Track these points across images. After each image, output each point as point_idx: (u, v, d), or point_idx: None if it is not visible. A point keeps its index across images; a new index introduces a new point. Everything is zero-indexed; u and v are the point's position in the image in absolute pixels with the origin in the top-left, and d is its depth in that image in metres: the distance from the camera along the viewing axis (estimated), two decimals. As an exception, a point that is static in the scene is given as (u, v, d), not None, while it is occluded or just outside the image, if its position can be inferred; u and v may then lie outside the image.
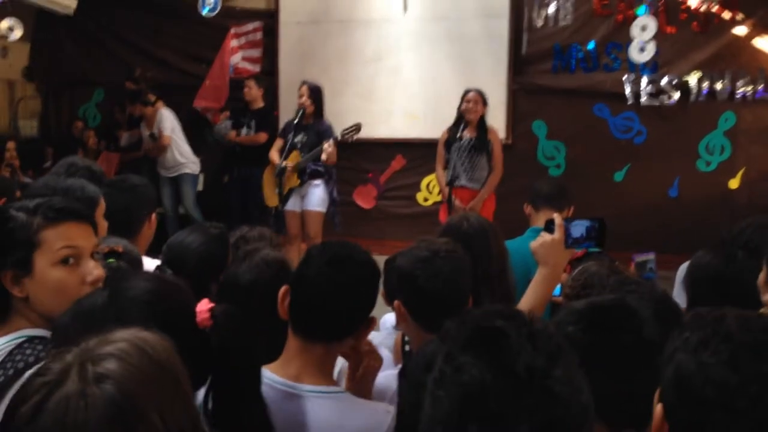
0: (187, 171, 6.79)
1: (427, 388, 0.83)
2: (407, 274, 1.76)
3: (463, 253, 1.77)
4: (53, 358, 0.87)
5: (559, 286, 2.11)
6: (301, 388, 1.53)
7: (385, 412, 1.52)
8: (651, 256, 2.52)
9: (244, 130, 6.62)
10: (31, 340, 1.48)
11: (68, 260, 1.51)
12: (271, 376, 1.54)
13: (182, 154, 6.77)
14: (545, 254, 1.81)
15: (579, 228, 1.84)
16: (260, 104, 6.62)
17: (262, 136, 6.54)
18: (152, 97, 6.71)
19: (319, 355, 1.55)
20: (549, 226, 1.86)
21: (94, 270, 1.53)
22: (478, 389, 0.78)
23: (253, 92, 6.56)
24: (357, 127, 5.58)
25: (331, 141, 5.48)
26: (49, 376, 0.83)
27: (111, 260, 1.91)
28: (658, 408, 1.05)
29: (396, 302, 1.79)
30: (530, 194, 3.37)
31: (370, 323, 1.60)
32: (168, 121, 6.67)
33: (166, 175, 6.79)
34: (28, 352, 1.45)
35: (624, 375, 1.19)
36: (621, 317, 1.28)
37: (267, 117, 6.72)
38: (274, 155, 5.84)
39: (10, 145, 6.65)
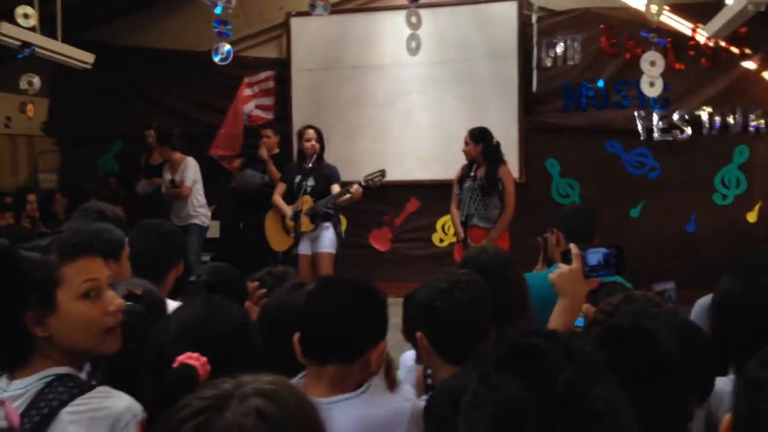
0: (197, 222, 6.81)
1: (461, 412, 0.81)
2: (428, 305, 1.76)
3: (482, 283, 1.76)
4: (210, 385, 0.92)
5: (582, 319, 2.08)
6: (322, 401, 1.54)
7: (405, 400, 1.59)
8: (670, 285, 2.49)
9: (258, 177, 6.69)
10: (60, 378, 1.49)
11: (90, 294, 1.53)
12: None
13: (196, 206, 6.82)
14: (564, 285, 1.80)
15: (596, 256, 1.82)
16: (276, 151, 6.70)
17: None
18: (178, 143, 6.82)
19: (332, 376, 1.62)
20: (566, 257, 1.85)
21: (114, 300, 1.56)
22: (514, 408, 0.76)
23: (273, 140, 6.66)
24: (382, 173, 5.66)
25: (355, 185, 5.54)
26: (209, 401, 0.88)
27: (129, 303, 1.92)
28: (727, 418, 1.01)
29: (419, 334, 1.80)
30: (563, 224, 3.29)
31: (378, 345, 1.66)
32: (192, 172, 6.75)
33: (177, 223, 6.78)
34: (61, 389, 1.46)
35: (640, 394, 1.17)
36: (632, 336, 1.26)
37: (284, 163, 6.80)
38: (278, 200, 5.89)
39: (31, 197, 6.75)
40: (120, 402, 1.44)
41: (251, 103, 7.44)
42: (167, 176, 6.82)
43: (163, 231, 2.70)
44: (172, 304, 2.33)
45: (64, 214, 6.85)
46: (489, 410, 0.77)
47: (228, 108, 7.36)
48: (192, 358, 1.38)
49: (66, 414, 1.42)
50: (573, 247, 1.85)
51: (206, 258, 6.91)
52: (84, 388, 1.48)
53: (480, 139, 5.46)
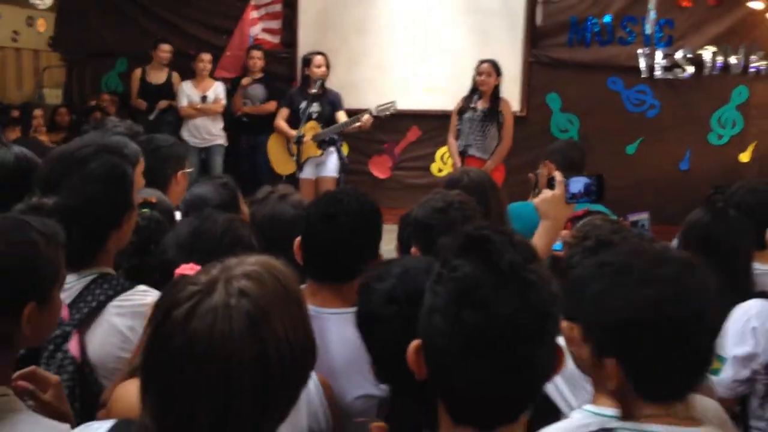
0: (221, 142, 6.96)
1: (426, 287, 1.01)
2: (423, 224, 1.92)
3: (475, 204, 1.92)
4: (202, 271, 1.03)
5: (560, 243, 2.25)
6: (321, 311, 1.73)
7: None
8: (645, 215, 2.66)
9: (248, 101, 6.84)
10: (103, 276, 1.70)
11: None
12: None
13: (220, 126, 6.95)
14: (547, 209, 1.96)
15: (577, 184, 1.98)
16: (259, 75, 6.87)
17: (272, 105, 6.73)
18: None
19: (331, 292, 1.76)
20: (551, 183, 2.00)
21: None
22: (470, 283, 0.96)
23: (261, 62, 6.84)
24: (393, 105, 5.75)
25: (366, 115, 5.64)
26: (199, 286, 0.98)
27: (145, 210, 2.09)
28: (611, 363, 1.21)
29: (413, 250, 1.96)
30: (556, 156, 3.46)
31: (376, 260, 1.78)
32: (223, 92, 6.87)
33: (194, 144, 6.87)
34: (106, 286, 1.67)
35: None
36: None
37: (272, 86, 6.94)
38: (282, 124, 6.00)
39: (37, 112, 6.85)
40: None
41: (258, 25, 7.45)
42: (193, 93, 6.87)
43: (154, 146, 2.73)
44: (179, 216, 2.50)
45: (68, 130, 6.96)
46: (450, 285, 0.98)
47: (234, 30, 7.38)
48: (187, 269, 1.48)
49: (113, 307, 1.64)
50: (557, 174, 2.01)
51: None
52: (126, 286, 1.69)
53: (500, 72, 5.56)
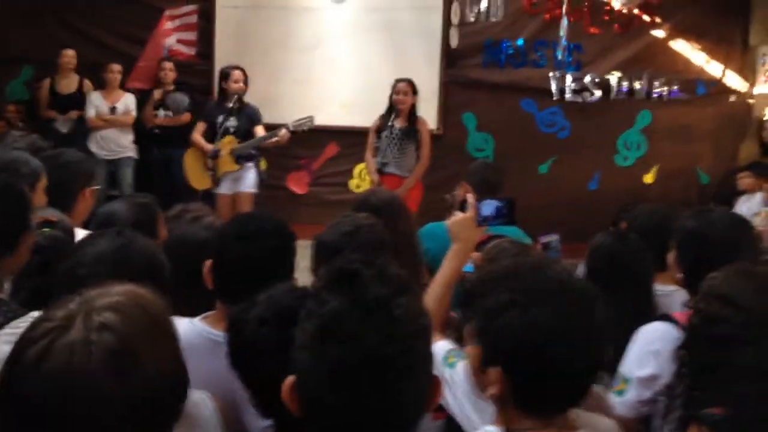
0: (130, 155, 6.75)
1: (297, 325, 1.01)
2: (332, 248, 1.92)
3: (381, 226, 1.93)
4: (57, 306, 0.94)
5: (471, 264, 2.29)
6: None
7: None
8: (555, 237, 2.74)
9: (161, 112, 6.71)
10: None
11: None
12: (205, 328, 1.74)
13: (131, 138, 6.74)
14: (458, 231, 1.99)
15: (489, 207, 2.01)
16: (171, 87, 6.78)
17: (187, 116, 6.64)
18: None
19: None
20: (463, 206, 2.03)
21: None
22: (335, 316, 0.96)
23: (173, 74, 6.76)
24: (310, 120, 5.75)
25: (284, 130, 5.61)
26: (55, 322, 0.90)
27: (45, 229, 2.00)
28: (495, 371, 1.23)
29: None
30: (472, 177, 3.52)
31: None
32: (133, 104, 6.67)
33: (103, 157, 6.64)
34: None
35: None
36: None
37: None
38: (198, 138, 5.90)
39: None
40: None
41: (172, 36, 7.29)
42: (102, 104, 6.63)
43: (64, 161, 2.68)
44: (83, 235, 2.40)
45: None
46: (316, 321, 0.98)
47: (148, 40, 7.20)
48: None
49: (3, 335, 1.54)
50: (469, 197, 2.04)
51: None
52: (18, 312, 1.61)
53: (416, 91, 5.63)
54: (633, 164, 7.19)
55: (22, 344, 0.90)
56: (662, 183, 7.15)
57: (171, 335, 1.00)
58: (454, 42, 7.05)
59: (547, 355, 1.19)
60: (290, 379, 1.01)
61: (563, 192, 7.05)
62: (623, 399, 1.99)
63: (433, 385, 1.03)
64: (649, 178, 7.20)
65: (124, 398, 0.88)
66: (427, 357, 1.03)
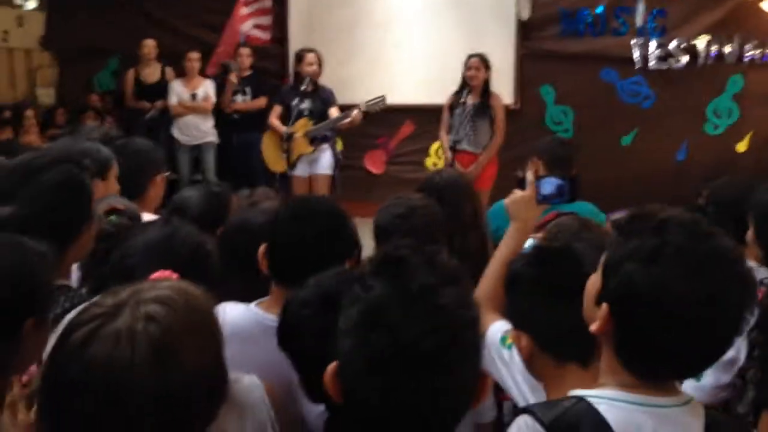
0: (212, 140, 6.92)
1: (342, 309, 0.98)
2: (384, 230, 1.89)
3: (436, 207, 1.89)
4: (109, 294, 0.96)
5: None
6: None
7: None
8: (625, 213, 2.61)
9: (239, 97, 6.82)
10: (60, 288, 1.66)
11: None
12: (260, 312, 1.74)
13: (210, 125, 6.90)
14: (517, 210, 1.92)
15: (549, 186, 1.93)
16: (249, 72, 6.85)
17: (263, 101, 6.73)
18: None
19: None
20: (521, 184, 1.97)
21: None
22: (378, 303, 0.93)
23: (249, 60, 6.85)
24: (382, 99, 5.72)
25: (356, 111, 5.61)
26: (104, 309, 0.92)
27: (112, 217, 2.07)
28: (604, 308, 1.15)
29: None
30: (544, 153, 3.41)
31: (349, 263, 1.75)
32: (212, 90, 6.84)
33: (186, 143, 6.85)
34: (62, 299, 1.64)
35: (565, 308, 1.32)
36: (561, 255, 1.41)
37: (261, 82, 6.93)
38: (275, 121, 5.97)
39: (29, 113, 6.83)
40: None
41: (248, 22, 7.40)
42: (183, 92, 6.84)
43: (133, 149, 2.73)
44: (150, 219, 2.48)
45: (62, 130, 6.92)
46: (360, 307, 0.95)
47: (224, 27, 7.34)
48: (166, 275, 1.48)
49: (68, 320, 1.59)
50: (528, 175, 1.97)
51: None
52: (84, 298, 1.66)
53: (488, 66, 5.51)
54: (724, 132, 6.82)
55: (69, 328, 0.93)
56: (756, 151, 6.75)
57: (215, 336, 1.00)
58: (524, 14, 6.85)
59: (680, 317, 1.08)
60: (333, 366, 0.99)
61: (648, 165, 6.76)
62: (700, 384, 1.89)
63: (479, 379, 0.99)
64: (741, 147, 6.81)
65: (158, 391, 0.88)
66: (474, 351, 0.98)
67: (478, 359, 0.99)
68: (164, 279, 1.04)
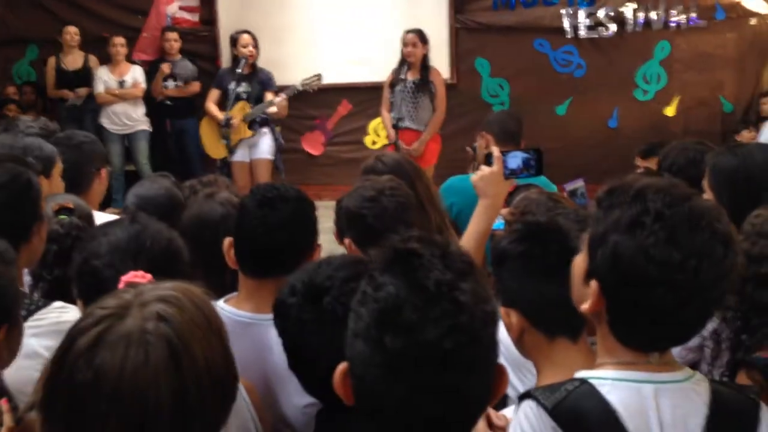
0: (144, 128, 6.67)
1: (351, 308, 0.93)
2: (355, 213, 1.85)
3: (406, 189, 1.86)
4: (111, 295, 0.92)
5: (501, 221, 2.21)
6: (261, 318, 1.64)
7: None
8: (580, 182, 2.65)
9: (170, 83, 6.60)
10: None
11: None
12: (230, 309, 1.68)
13: (141, 112, 6.66)
14: (485, 186, 1.91)
15: (515, 159, 1.93)
16: (178, 56, 6.66)
17: (196, 86, 6.57)
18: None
19: (272, 290, 1.60)
20: (488, 159, 1.95)
21: None
22: (393, 303, 0.88)
23: (178, 44, 6.63)
24: (318, 77, 5.65)
25: (282, 95, 5.52)
26: (109, 310, 0.88)
27: (62, 216, 1.96)
28: (594, 285, 1.15)
29: (346, 240, 1.89)
30: (493, 127, 3.40)
31: (315, 251, 1.73)
32: (141, 75, 6.58)
33: (116, 132, 6.60)
34: None
35: (554, 283, 1.32)
36: (548, 231, 1.41)
37: (195, 66, 6.75)
38: (211, 107, 5.83)
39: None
40: (77, 315, 1.52)
41: (174, 4, 7.16)
42: (110, 79, 6.56)
43: (77, 142, 2.64)
44: (101, 216, 2.37)
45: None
46: (373, 306, 0.89)
47: (149, 9, 7.08)
48: (138, 277, 1.42)
49: (28, 328, 1.49)
50: (495, 150, 1.95)
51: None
52: (40, 304, 1.58)
53: (426, 41, 5.46)
54: (653, 98, 7.00)
55: (73, 333, 0.89)
56: (684, 114, 6.96)
57: (221, 332, 0.97)
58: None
59: (667, 280, 1.08)
60: (343, 366, 0.95)
61: (583, 132, 6.90)
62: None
63: (497, 374, 0.95)
64: (670, 111, 7.01)
65: (177, 396, 0.86)
66: (493, 346, 0.94)
67: (497, 354, 0.96)
68: (164, 281, 0.98)
